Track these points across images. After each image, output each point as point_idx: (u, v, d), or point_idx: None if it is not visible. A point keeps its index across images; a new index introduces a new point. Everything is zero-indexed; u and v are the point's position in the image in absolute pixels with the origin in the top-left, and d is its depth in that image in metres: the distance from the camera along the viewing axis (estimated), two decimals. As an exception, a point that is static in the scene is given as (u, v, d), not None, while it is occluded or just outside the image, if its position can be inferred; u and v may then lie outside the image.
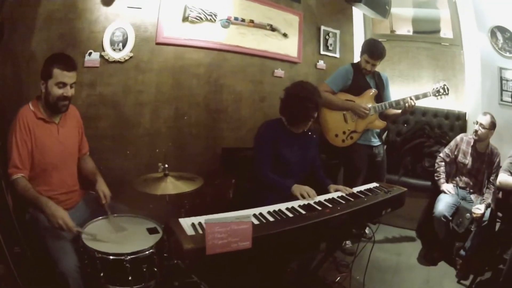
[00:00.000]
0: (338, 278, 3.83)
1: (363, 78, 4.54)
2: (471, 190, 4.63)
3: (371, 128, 4.56)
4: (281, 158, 3.45)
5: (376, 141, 4.67)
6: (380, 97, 4.56)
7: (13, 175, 2.70)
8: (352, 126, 4.52)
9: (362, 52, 4.50)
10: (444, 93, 4.44)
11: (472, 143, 4.64)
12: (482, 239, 4.08)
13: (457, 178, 4.76)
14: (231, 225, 2.10)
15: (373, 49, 4.41)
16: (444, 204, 4.37)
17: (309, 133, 3.65)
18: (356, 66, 4.59)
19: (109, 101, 4.01)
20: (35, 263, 2.67)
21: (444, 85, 4.45)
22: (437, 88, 4.44)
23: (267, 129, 3.53)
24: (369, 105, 4.45)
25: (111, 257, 2.48)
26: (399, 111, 4.53)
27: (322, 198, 3.09)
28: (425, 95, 4.44)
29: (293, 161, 3.51)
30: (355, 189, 3.33)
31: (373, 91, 4.53)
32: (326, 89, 4.50)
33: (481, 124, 4.43)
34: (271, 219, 2.58)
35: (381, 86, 4.60)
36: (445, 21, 6.11)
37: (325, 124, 4.63)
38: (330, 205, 2.88)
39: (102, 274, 2.47)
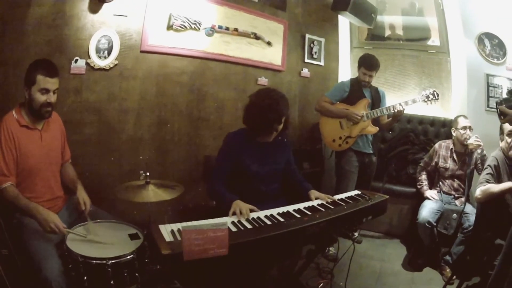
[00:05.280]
0: (321, 284, 3.85)
1: (360, 90, 4.83)
2: (456, 195, 4.67)
3: (365, 133, 4.78)
4: (246, 171, 3.34)
5: (369, 149, 4.88)
6: (375, 108, 4.79)
7: (2, 184, 2.71)
8: (347, 131, 4.78)
9: (359, 66, 4.82)
10: (434, 98, 4.60)
11: (451, 147, 4.73)
12: (468, 245, 4.12)
13: (440, 183, 4.80)
14: (208, 232, 2.14)
15: (368, 62, 4.77)
16: (428, 210, 4.40)
17: (279, 138, 3.49)
18: (353, 80, 4.94)
19: (94, 107, 4.02)
20: (22, 266, 2.69)
21: (434, 91, 4.60)
22: (426, 94, 4.60)
23: (229, 142, 3.41)
24: (362, 112, 4.69)
25: (93, 261, 2.53)
26: (390, 119, 4.77)
27: (301, 205, 3.09)
28: (414, 101, 4.60)
29: (260, 172, 3.37)
30: (336, 197, 3.32)
31: (366, 100, 4.79)
32: (325, 99, 4.88)
33: (470, 128, 4.52)
34: (249, 226, 2.61)
35: (377, 99, 4.87)
36: (433, 28, 6.18)
37: (324, 131, 4.95)
38: (309, 213, 2.89)
39: (85, 278, 2.52)
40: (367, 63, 4.76)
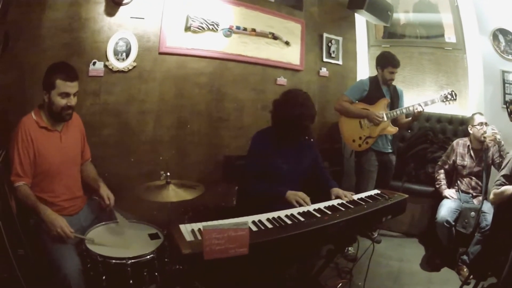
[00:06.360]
0: (340, 284, 3.84)
1: (379, 89, 4.82)
2: (473, 194, 4.63)
3: (385, 133, 4.77)
4: (272, 167, 3.38)
5: (388, 149, 4.87)
6: (394, 107, 4.79)
7: (15, 183, 2.75)
8: (367, 132, 4.77)
9: (384, 66, 4.78)
10: (452, 98, 4.60)
11: (468, 144, 4.71)
12: (485, 244, 4.09)
13: (458, 182, 4.77)
14: (229, 231, 2.14)
15: (393, 60, 4.77)
16: (446, 209, 4.38)
17: (306, 137, 3.53)
18: (372, 79, 4.93)
19: (113, 109, 4.06)
20: (38, 266, 2.72)
21: (452, 91, 4.60)
22: (445, 94, 4.60)
23: (257, 140, 3.50)
24: (382, 113, 4.66)
25: (113, 261, 2.55)
26: (410, 119, 4.76)
27: (321, 205, 3.09)
28: (433, 101, 4.61)
29: (285, 169, 3.42)
30: (356, 196, 3.32)
31: (385, 100, 4.77)
32: (345, 99, 4.86)
33: (486, 124, 4.49)
34: (269, 226, 2.60)
35: (395, 98, 4.86)
36: (448, 25, 6.13)
37: (344, 131, 4.95)
38: (329, 212, 2.89)
39: (104, 278, 2.54)
40: (393, 62, 4.75)
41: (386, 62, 4.78)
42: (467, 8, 5.70)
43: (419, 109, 4.52)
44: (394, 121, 4.82)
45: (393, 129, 4.76)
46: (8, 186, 2.78)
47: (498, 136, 4.31)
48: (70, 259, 2.58)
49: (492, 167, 4.51)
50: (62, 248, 2.64)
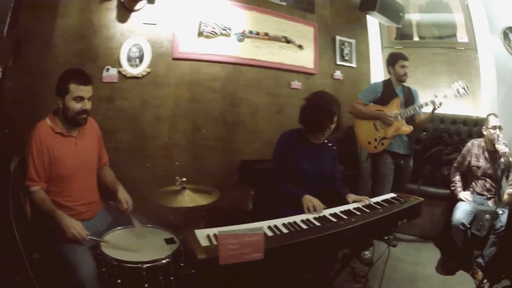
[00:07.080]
0: (355, 288, 3.84)
1: (392, 90, 4.79)
2: (488, 195, 4.61)
3: (400, 133, 4.71)
4: (296, 168, 3.42)
5: (405, 151, 4.81)
6: (408, 107, 4.73)
7: (30, 188, 2.78)
8: (382, 133, 4.73)
9: (394, 62, 4.81)
10: (464, 90, 4.51)
11: (483, 145, 4.69)
12: (500, 246, 4.05)
13: (473, 183, 4.75)
14: (243, 236, 2.15)
15: (401, 54, 4.86)
16: (462, 211, 4.35)
17: (329, 144, 3.65)
18: (386, 82, 4.93)
19: (127, 115, 4.09)
20: (52, 270, 2.73)
21: (463, 83, 4.52)
22: (456, 87, 4.53)
23: (284, 139, 3.54)
24: (396, 112, 4.65)
25: (128, 265, 2.55)
26: (426, 116, 4.72)
27: (337, 209, 3.08)
28: (445, 96, 4.51)
29: (309, 171, 3.45)
30: (372, 200, 3.31)
31: (398, 99, 4.74)
32: (359, 101, 4.88)
33: (500, 127, 4.47)
34: (285, 231, 2.60)
35: (409, 98, 4.80)
36: (460, 25, 6.10)
37: (359, 134, 4.93)
38: (345, 217, 2.89)
39: (119, 281, 2.55)
40: (401, 55, 4.81)
41: (395, 58, 4.82)
42: (477, 6, 5.68)
43: (437, 104, 4.45)
44: (411, 123, 4.75)
45: (407, 128, 4.69)
46: (23, 190, 2.81)
47: (506, 156, 4.30)
48: (86, 263, 2.59)
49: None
50: (78, 251, 2.65)
